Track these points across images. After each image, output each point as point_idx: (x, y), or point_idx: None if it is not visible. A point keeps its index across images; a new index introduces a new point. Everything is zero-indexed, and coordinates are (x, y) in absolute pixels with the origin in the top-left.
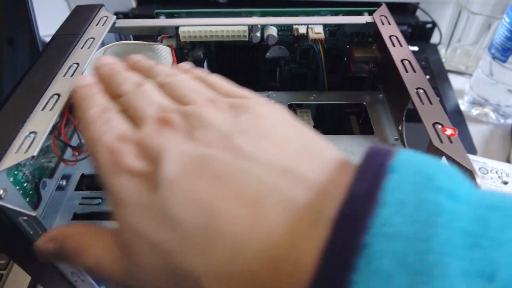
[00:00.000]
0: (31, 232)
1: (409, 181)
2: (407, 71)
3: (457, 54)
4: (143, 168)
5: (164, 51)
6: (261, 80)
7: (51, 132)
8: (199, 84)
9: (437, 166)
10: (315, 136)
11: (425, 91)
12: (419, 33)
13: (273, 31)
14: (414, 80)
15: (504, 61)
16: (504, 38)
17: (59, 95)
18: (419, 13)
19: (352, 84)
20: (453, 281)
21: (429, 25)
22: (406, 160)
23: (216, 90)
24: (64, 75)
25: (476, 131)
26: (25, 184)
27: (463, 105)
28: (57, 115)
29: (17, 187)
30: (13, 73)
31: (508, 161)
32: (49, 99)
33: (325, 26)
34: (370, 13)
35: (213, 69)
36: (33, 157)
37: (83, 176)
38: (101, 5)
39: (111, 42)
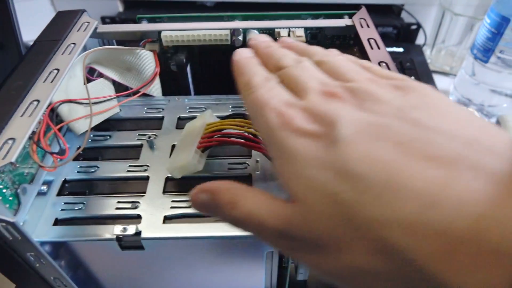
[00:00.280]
0: (11, 239)
1: None
2: None
3: (442, 55)
4: (316, 129)
5: (147, 55)
6: None
7: (30, 138)
8: (355, 65)
9: None
10: (485, 120)
11: None
12: (404, 34)
13: (255, 34)
14: None
15: (486, 62)
16: (485, 39)
17: (38, 101)
18: (404, 14)
19: None
20: None
21: (414, 27)
22: None
23: (373, 72)
24: (44, 81)
25: None
26: (4, 190)
27: None
28: (36, 121)
29: None
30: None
31: None
32: (29, 105)
33: (306, 29)
34: (350, 16)
35: (196, 72)
36: (11, 163)
37: (65, 181)
38: (83, 11)
39: (94, 47)
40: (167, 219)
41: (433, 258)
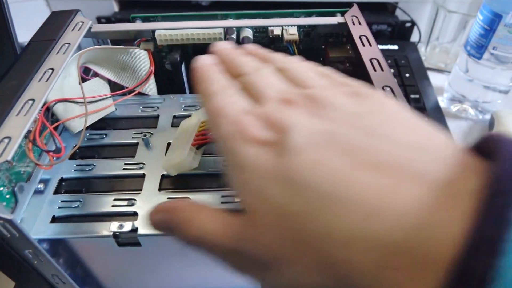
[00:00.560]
0: (9, 236)
1: None
2: (375, 70)
3: (436, 52)
4: (269, 138)
5: (141, 54)
6: None
7: (26, 137)
8: (314, 72)
9: None
10: (435, 126)
11: (391, 89)
12: (398, 32)
13: (248, 33)
14: (381, 78)
15: (479, 58)
16: (478, 36)
17: (33, 100)
18: (398, 12)
19: None
20: None
21: (408, 24)
22: None
23: (331, 79)
24: (39, 81)
25: (455, 127)
26: (1, 188)
27: (443, 102)
28: (32, 120)
29: None
30: None
31: None
32: (24, 104)
33: (299, 27)
34: (343, 14)
35: (191, 71)
36: (7, 161)
37: (61, 179)
38: (77, 10)
39: (88, 47)
40: None
41: (368, 272)
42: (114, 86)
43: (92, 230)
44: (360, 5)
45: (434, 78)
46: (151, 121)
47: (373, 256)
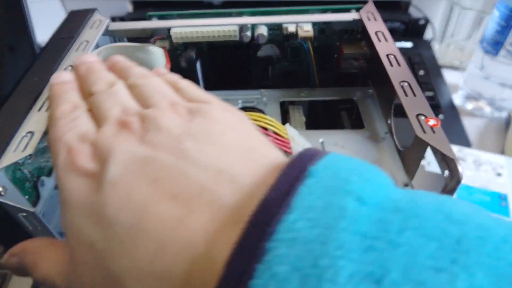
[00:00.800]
0: (31, 228)
1: (323, 186)
2: (392, 65)
3: (451, 49)
4: (92, 169)
5: (157, 52)
6: (254, 78)
7: (47, 132)
8: (167, 87)
9: (356, 169)
10: (263, 141)
11: (409, 84)
12: (412, 29)
13: (263, 30)
14: (398, 73)
15: (495, 55)
16: (494, 32)
17: None
18: (411, 9)
19: (343, 80)
20: (341, 283)
21: (422, 21)
22: (327, 164)
23: (183, 94)
24: None
25: (471, 125)
26: (23, 182)
27: (458, 100)
28: None
29: (16, 185)
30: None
31: (502, 153)
32: (45, 100)
33: (313, 24)
34: (358, 10)
35: (206, 68)
36: (30, 155)
37: None
38: (94, 9)
39: (105, 45)
40: None
41: None
42: None
43: None
44: (373, 3)
45: (449, 76)
46: None
47: None
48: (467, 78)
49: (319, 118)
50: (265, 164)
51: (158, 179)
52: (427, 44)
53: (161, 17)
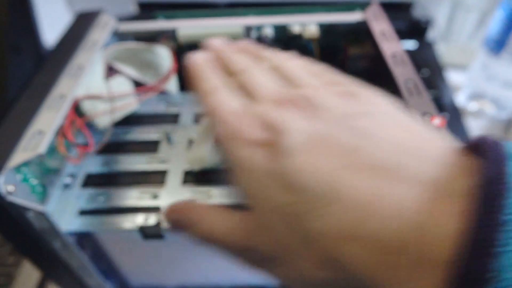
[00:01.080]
0: (39, 227)
1: None
2: (396, 65)
3: (454, 49)
4: (264, 138)
5: (163, 52)
6: None
7: (57, 131)
8: (306, 70)
9: None
10: (429, 125)
11: (414, 83)
12: (415, 29)
13: (268, 30)
14: (403, 73)
15: (499, 54)
16: (498, 32)
17: (63, 96)
18: (415, 10)
19: None
20: None
21: (425, 22)
22: None
23: (322, 78)
24: (68, 77)
25: (474, 125)
26: (33, 181)
27: (461, 99)
28: (63, 115)
29: (26, 184)
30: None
31: None
32: (55, 99)
33: (319, 25)
34: (363, 9)
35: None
36: (40, 155)
37: (88, 174)
38: (102, 11)
39: (112, 44)
40: None
41: (371, 269)
42: (136, 84)
43: (118, 223)
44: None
45: (453, 76)
46: (173, 118)
47: (372, 254)
48: (471, 77)
49: None
50: (448, 145)
51: (343, 152)
52: (431, 44)
53: (167, 18)
